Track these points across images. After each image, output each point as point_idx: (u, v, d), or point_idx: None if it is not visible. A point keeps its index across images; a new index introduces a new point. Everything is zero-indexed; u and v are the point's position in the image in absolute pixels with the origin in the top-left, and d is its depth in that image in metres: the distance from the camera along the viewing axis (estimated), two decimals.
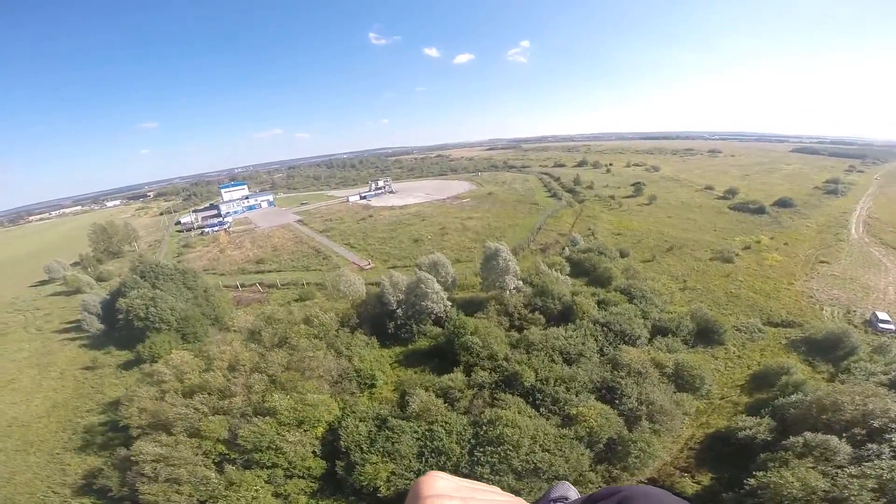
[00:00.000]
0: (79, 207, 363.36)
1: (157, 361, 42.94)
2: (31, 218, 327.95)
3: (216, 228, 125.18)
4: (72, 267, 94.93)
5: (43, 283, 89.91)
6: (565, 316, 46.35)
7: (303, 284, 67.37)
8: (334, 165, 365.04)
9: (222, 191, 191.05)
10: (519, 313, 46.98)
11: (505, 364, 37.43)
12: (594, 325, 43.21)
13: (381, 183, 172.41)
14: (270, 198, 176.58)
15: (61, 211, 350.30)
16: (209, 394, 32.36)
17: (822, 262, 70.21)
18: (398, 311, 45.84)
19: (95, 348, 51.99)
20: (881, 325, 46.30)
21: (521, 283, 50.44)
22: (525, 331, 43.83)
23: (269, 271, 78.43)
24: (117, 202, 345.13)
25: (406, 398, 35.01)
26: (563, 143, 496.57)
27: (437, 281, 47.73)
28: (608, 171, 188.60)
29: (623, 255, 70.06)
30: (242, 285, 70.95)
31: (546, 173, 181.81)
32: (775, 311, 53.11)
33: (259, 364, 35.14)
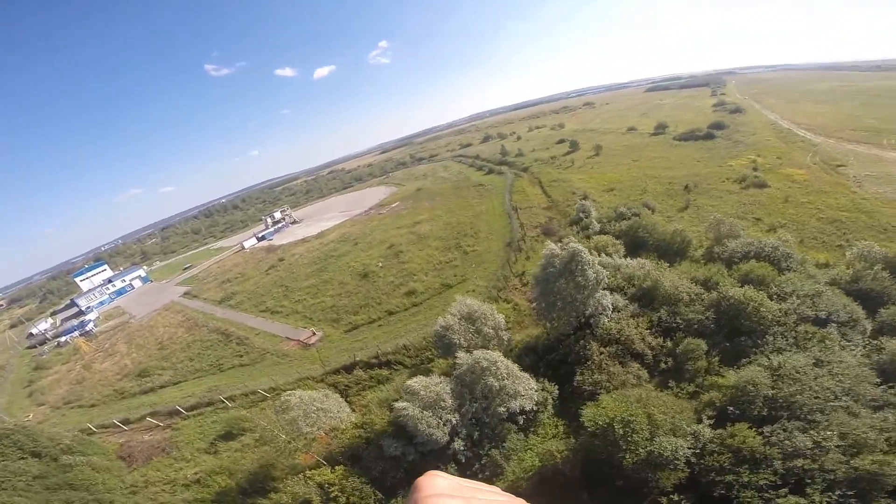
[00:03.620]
0: None
1: None
2: None
3: (74, 334, 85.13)
4: None
5: None
6: (725, 327, 26.12)
7: (223, 402, 38.98)
8: (213, 213, 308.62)
9: (77, 280, 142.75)
10: (650, 346, 25.66)
11: None
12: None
13: (278, 214, 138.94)
14: (142, 272, 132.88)
15: None
16: None
17: (839, 166, 61.21)
18: (456, 443, 21.70)
19: None
20: None
21: (615, 295, 29.09)
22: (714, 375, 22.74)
23: (162, 386, 48.04)
24: None
25: None
26: (449, 129, 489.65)
27: (487, 334, 24.38)
28: (519, 138, 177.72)
29: (651, 210, 52.95)
30: (127, 421, 41.24)
31: (461, 155, 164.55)
32: None
33: None
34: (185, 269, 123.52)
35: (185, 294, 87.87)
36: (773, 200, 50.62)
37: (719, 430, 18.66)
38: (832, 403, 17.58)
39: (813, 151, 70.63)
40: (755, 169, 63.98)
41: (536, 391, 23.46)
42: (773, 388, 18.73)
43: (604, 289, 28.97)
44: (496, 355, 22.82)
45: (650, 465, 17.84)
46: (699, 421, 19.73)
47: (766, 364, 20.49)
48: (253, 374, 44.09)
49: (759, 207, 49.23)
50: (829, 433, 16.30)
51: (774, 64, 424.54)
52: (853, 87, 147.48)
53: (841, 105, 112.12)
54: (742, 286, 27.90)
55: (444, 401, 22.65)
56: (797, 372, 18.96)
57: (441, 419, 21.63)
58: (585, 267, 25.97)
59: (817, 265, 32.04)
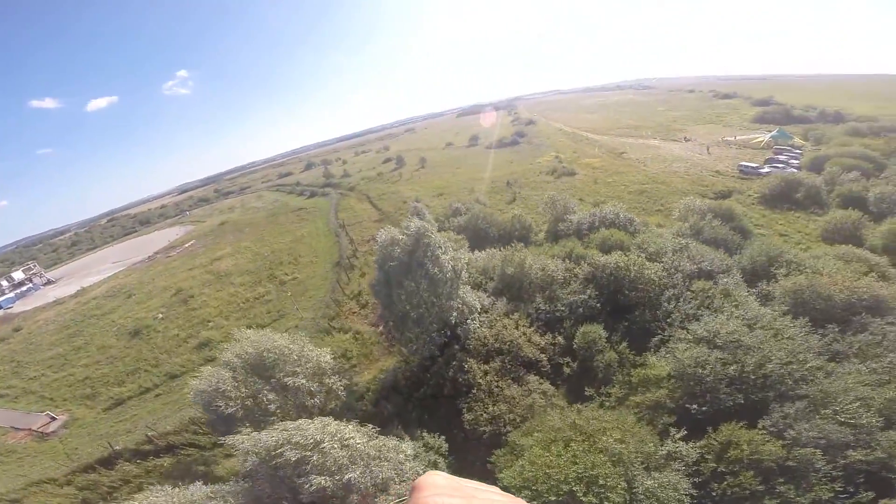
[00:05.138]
0: None
1: None
2: None
3: None
4: None
5: None
6: (608, 305, 21.30)
7: None
8: None
9: None
10: (541, 349, 19.06)
11: None
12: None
13: (18, 276, 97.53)
14: None
15: None
16: None
17: (622, 153, 70.37)
18: None
19: None
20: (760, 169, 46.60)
21: (477, 293, 21.96)
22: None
23: None
24: None
25: None
26: (267, 164, 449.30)
27: (301, 388, 13.99)
28: (345, 163, 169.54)
29: (484, 205, 50.08)
30: None
31: (279, 184, 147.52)
32: (690, 189, 44.39)
33: None
34: None
35: None
36: (585, 183, 53.85)
37: (701, 442, 12.71)
38: (810, 365, 13.36)
39: (598, 145, 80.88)
40: (560, 162, 69.16)
41: (410, 457, 13.82)
42: (731, 364, 13.69)
43: (463, 283, 21.64)
44: (319, 427, 12.52)
45: None
46: (663, 435, 13.48)
47: (690, 338, 15.80)
48: None
49: (577, 190, 51.36)
50: (853, 406, 11.66)
51: (548, 90, 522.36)
52: (607, 101, 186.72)
53: (604, 113, 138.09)
54: (606, 254, 24.16)
55: None
56: (738, 338, 14.51)
57: None
58: (437, 251, 18.15)
59: (657, 226, 31.51)
